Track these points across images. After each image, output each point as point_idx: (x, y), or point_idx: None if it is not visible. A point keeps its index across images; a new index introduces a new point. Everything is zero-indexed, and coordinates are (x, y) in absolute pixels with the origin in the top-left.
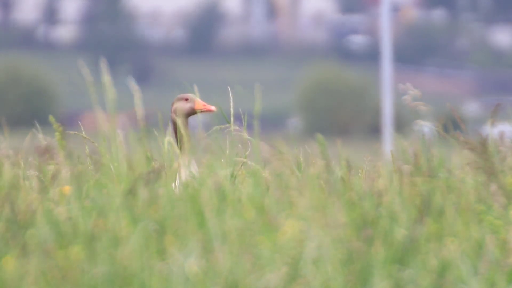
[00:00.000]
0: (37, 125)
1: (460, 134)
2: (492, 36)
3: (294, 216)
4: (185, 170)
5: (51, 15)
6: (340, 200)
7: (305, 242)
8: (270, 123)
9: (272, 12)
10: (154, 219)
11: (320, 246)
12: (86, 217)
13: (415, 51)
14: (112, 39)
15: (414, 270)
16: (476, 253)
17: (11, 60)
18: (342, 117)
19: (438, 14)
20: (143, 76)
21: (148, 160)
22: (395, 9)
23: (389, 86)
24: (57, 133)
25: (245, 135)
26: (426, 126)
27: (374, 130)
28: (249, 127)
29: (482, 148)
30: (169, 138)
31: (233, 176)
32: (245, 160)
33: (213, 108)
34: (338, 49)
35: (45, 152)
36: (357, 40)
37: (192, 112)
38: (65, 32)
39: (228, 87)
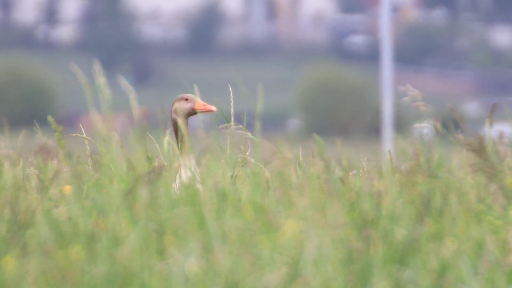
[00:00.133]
0: (37, 125)
1: (460, 135)
2: (492, 36)
3: (294, 216)
4: (185, 170)
5: (51, 15)
6: (340, 200)
7: (305, 242)
8: (270, 123)
9: (272, 12)
10: (154, 219)
11: (320, 246)
12: (86, 217)
13: (415, 51)
14: (112, 39)
15: (414, 270)
16: (476, 253)
17: (11, 60)
18: (342, 117)
19: (438, 14)
20: (143, 76)
21: (148, 160)
22: (395, 9)
23: (389, 86)
24: (56, 133)
25: (249, 134)
26: (426, 127)
27: (374, 130)
28: (249, 127)
29: (481, 149)
30: (169, 138)
31: (233, 176)
32: (246, 157)
33: (213, 108)
34: (338, 49)
35: (45, 152)
36: (357, 40)
37: (192, 112)
38: (65, 32)
39: (229, 85)
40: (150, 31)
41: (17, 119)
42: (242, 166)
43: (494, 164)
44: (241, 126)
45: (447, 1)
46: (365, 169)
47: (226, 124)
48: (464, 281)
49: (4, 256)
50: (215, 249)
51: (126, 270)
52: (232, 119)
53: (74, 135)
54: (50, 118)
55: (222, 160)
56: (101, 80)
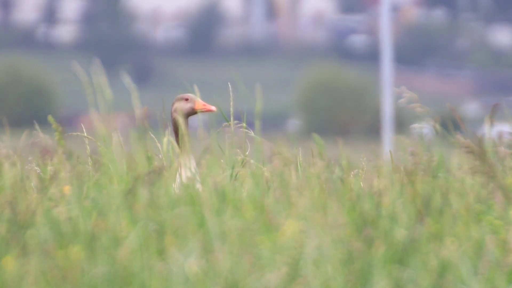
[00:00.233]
0: (37, 125)
1: (459, 136)
2: (492, 36)
3: (294, 216)
4: (185, 170)
5: (51, 15)
6: (340, 200)
7: (305, 242)
8: (270, 123)
9: (272, 12)
10: (154, 219)
11: (320, 246)
12: (86, 217)
13: (415, 51)
14: (112, 39)
15: (414, 270)
16: (476, 253)
17: (11, 60)
18: (342, 117)
19: (438, 14)
20: (143, 76)
21: (149, 159)
22: (395, 9)
23: (389, 86)
24: (56, 133)
25: (250, 132)
26: (425, 127)
27: (374, 130)
28: (249, 127)
29: (480, 150)
30: (169, 137)
31: (233, 176)
32: (246, 156)
33: (213, 108)
34: (338, 49)
35: (45, 152)
36: (357, 40)
37: (192, 112)
38: (65, 32)
39: (229, 83)
40: (150, 31)
41: (17, 119)
42: (242, 166)
43: (493, 165)
44: (241, 124)
45: (447, 1)
46: (365, 169)
47: (226, 123)
48: (464, 281)
49: (4, 256)
50: (215, 249)
51: (126, 270)
52: (232, 118)
53: (74, 133)
54: (50, 118)
55: (222, 160)
56: (102, 79)
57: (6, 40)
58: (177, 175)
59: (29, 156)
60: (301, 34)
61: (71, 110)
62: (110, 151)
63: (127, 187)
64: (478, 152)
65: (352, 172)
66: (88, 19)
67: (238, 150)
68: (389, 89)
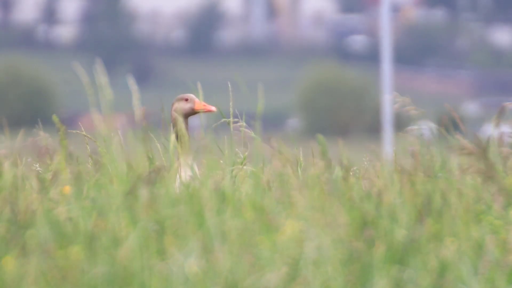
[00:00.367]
0: (39, 125)
1: (459, 136)
2: (492, 36)
3: (294, 216)
4: (186, 170)
5: (51, 15)
6: (340, 200)
7: (305, 242)
8: (270, 123)
9: (272, 12)
10: (154, 219)
11: (320, 246)
12: (86, 217)
13: (415, 51)
14: (112, 39)
15: (414, 270)
16: (476, 253)
17: (11, 60)
18: (342, 117)
19: (438, 14)
20: (143, 76)
21: (150, 159)
22: (395, 9)
23: (389, 86)
24: (60, 133)
25: (251, 132)
26: (424, 128)
27: (374, 130)
28: (249, 127)
29: (480, 153)
30: (173, 137)
31: (233, 176)
32: (246, 156)
33: (213, 108)
34: (338, 49)
35: (45, 152)
36: (357, 40)
37: (192, 112)
38: (65, 32)
39: (228, 83)
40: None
41: (17, 119)
42: (243, 166)
43: (492, 166)
44: (241, 122)
45: (447, 1)
46: (365, 169)
47: (224, 119)
48: (464, 281)
49: (4, 256)
50: (215, 249)
51: (126, 270)
52: (231, 118)
53: (74, 131)
54: (55, 118)
55: (221, 161)
56: (103, 79)
57: (6, 40)
58: (177, 175)
59: (28, 156)
60: (301, 34)
61: (71, 110)
62: (110, 151)
63: (127, 187)
64: (478, 152)
65: (352, 170)
66: (88, 19)
67: (238, 150)
68: (389, 89)
